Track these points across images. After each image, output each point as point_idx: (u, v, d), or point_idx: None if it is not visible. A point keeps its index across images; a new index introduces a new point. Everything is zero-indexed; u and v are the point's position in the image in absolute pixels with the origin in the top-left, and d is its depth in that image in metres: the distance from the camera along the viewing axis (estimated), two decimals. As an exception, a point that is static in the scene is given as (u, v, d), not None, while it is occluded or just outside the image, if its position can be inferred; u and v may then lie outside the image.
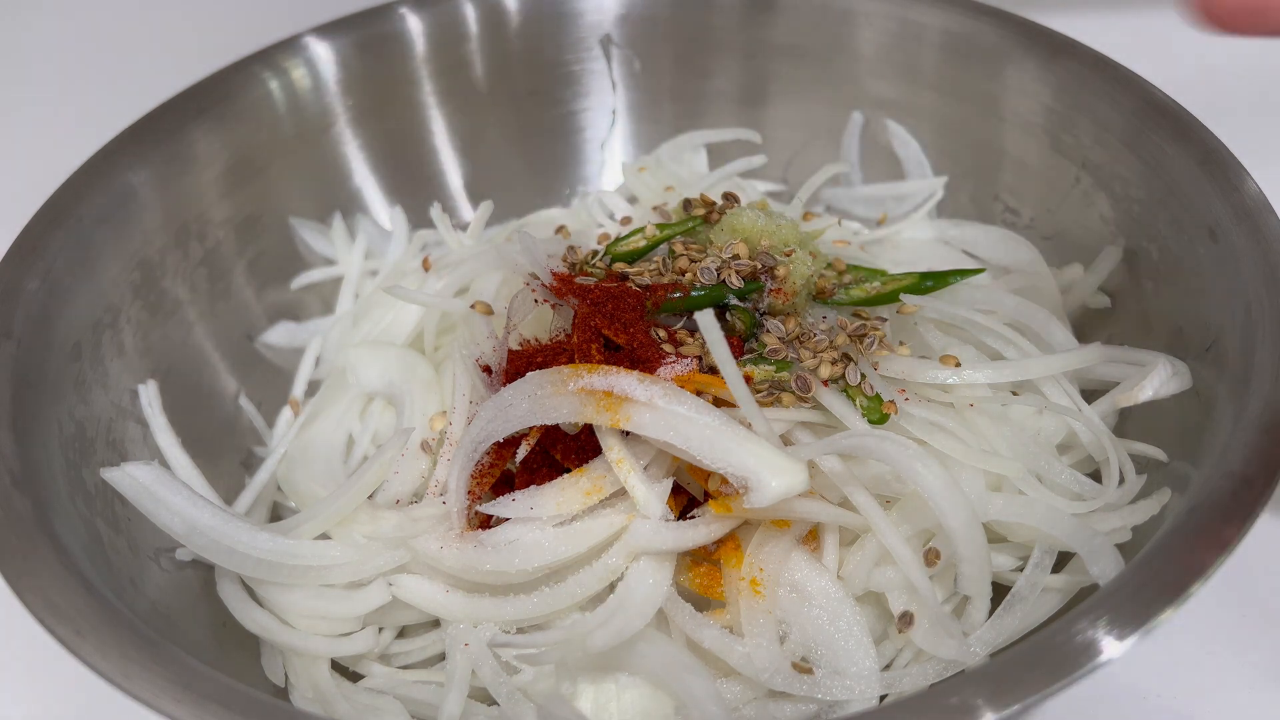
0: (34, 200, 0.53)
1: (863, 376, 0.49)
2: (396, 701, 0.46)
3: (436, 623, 0.49)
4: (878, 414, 0.48)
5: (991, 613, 0.46)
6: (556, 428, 0.48)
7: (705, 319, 0.44)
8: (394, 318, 0.60)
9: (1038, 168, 0.61)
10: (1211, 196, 0.50)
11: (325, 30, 0.65)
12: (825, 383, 0.48)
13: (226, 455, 0.59)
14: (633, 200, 0.68)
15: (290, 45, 0.64)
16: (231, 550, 0.47)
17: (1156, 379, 0.49)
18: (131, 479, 0.47)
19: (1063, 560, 0.48)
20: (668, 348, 0.49)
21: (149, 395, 0.55)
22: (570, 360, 0.49)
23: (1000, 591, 0.47)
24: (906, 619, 0.45)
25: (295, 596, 0.48)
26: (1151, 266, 0.54)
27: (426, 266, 0.61)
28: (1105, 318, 0.56)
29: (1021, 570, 0.47)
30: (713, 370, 0.48)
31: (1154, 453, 0.49)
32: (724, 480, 0.45)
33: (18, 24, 1.02)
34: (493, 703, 0.46)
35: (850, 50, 0.66)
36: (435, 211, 0.63)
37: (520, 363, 0.51)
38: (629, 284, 0.52)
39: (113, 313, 0.54)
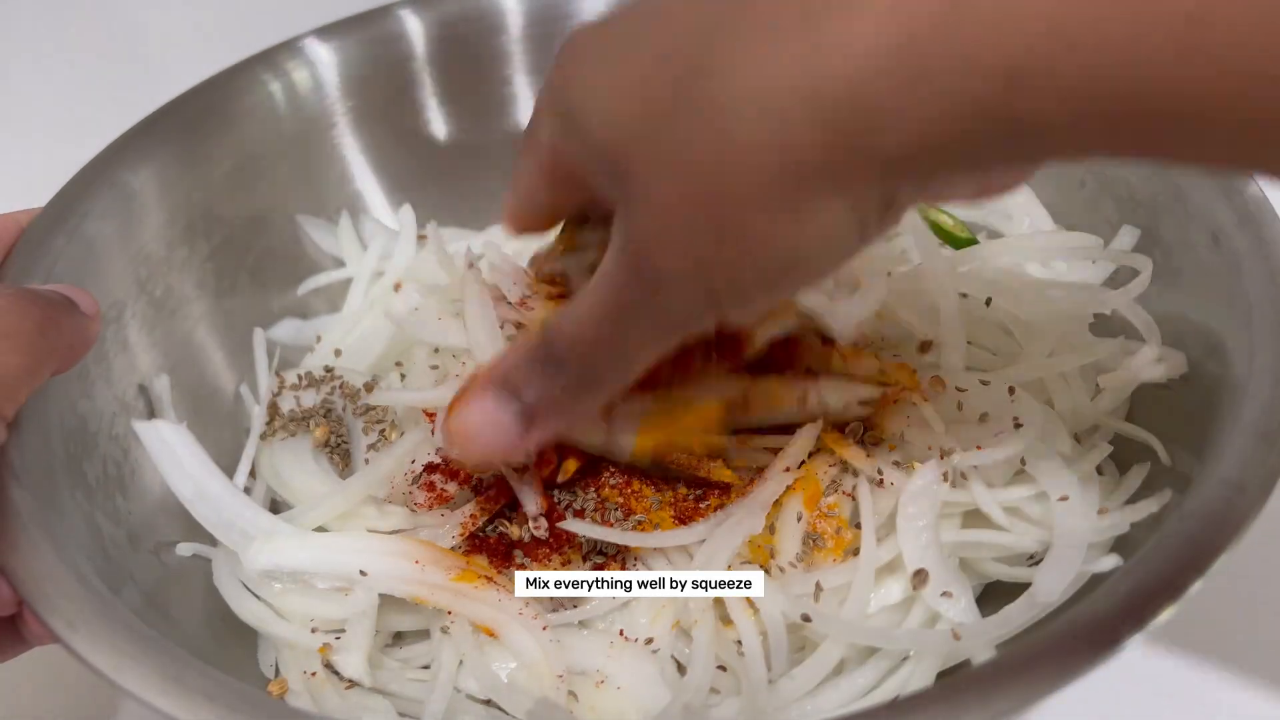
0: (38, 200, 0.54)
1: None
2: (385, 700, 0.47)
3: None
4: None
5: (997, 609, 0.46)
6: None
7: None
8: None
9: (1043, 171, 0.61)
10: (1215, 201, 0.50)
11: (326, 32, 0.65)
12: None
13: (229, 451, 0.59)
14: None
15: (291, 47, 0.64)
16: (230, 524, 0.49)
17: (1141, 359, 0.49)
18: (158, 434, 0.50)
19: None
20: None
21: (162, 388, 0.56)
22: None
23: (1003, 590, 0.48)
24: (921, 576, 0.46)
25: (284, 589, 0.49)
26: (1154, 270, 0.53)
27: (398, 288, 0.63)
28: (1106, 322, 0.56)
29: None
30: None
31: (1152, 441, 0.49)
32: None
33: (19, 25, 1.03)
34: (485, 701, 0.46)
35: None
36: (431, 229, 0.63)
37: None
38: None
39: (118, 308, 0.55)
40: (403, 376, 0.59)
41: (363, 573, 0.47)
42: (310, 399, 0.58)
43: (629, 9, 0.35)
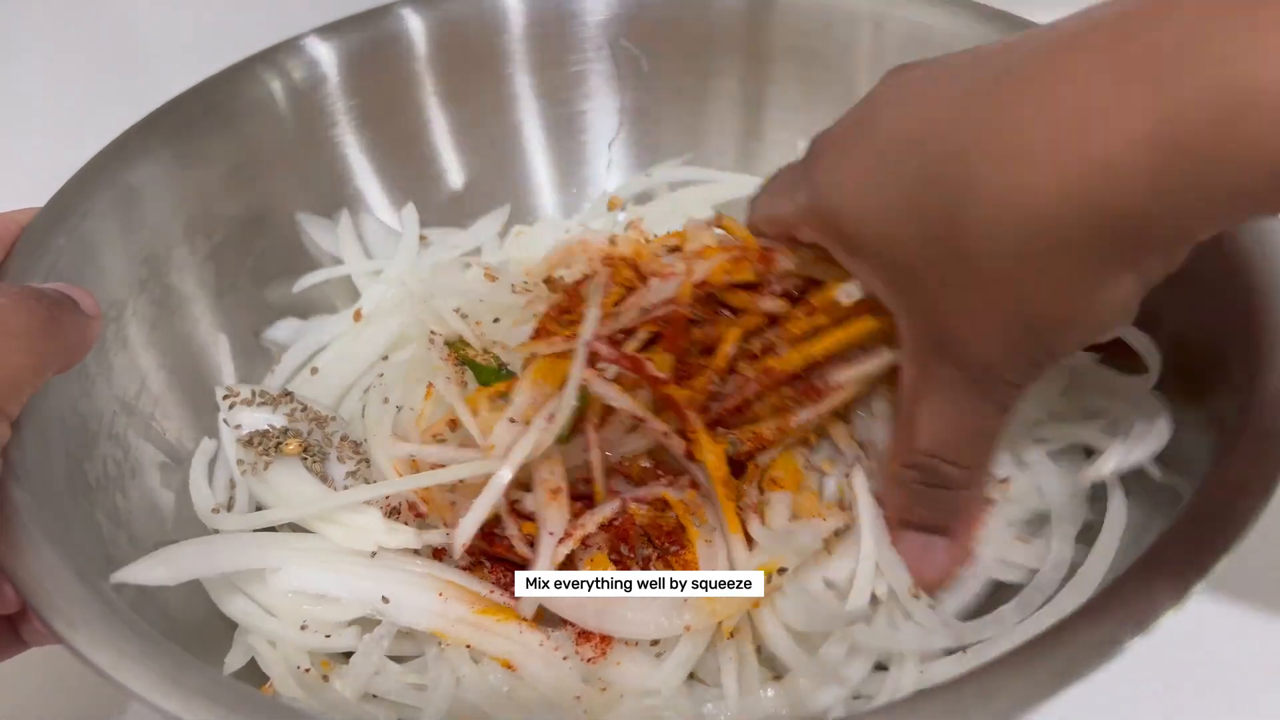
0: (38, 199, 0.53)
1: None
2: (379, 704, 0.47)
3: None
4: None
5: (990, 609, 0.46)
6: None
7: None
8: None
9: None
10: (1217, 201, 0.50)
11: (327, 31, 0.65)
12: None
13: (229, 451, 0.59)
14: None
15: (292, 45, 0.64)
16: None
17: (1120, 452, 0.48)
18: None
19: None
20: None
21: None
22: None
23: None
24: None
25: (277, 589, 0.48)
26: (1155, 271, 0.53)
27: (358, 318, 0.63)
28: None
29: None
30: None
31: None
32: None
33: (19, 25, 1.03)
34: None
35: (856, 52, 0.66)
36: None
37: None
38: None
39: (118, 307, 0.55)
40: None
41: (385, 599, 0.47)
42: (264, 418, 0.56)
43: (876, 116, 0.41)
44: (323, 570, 0.48)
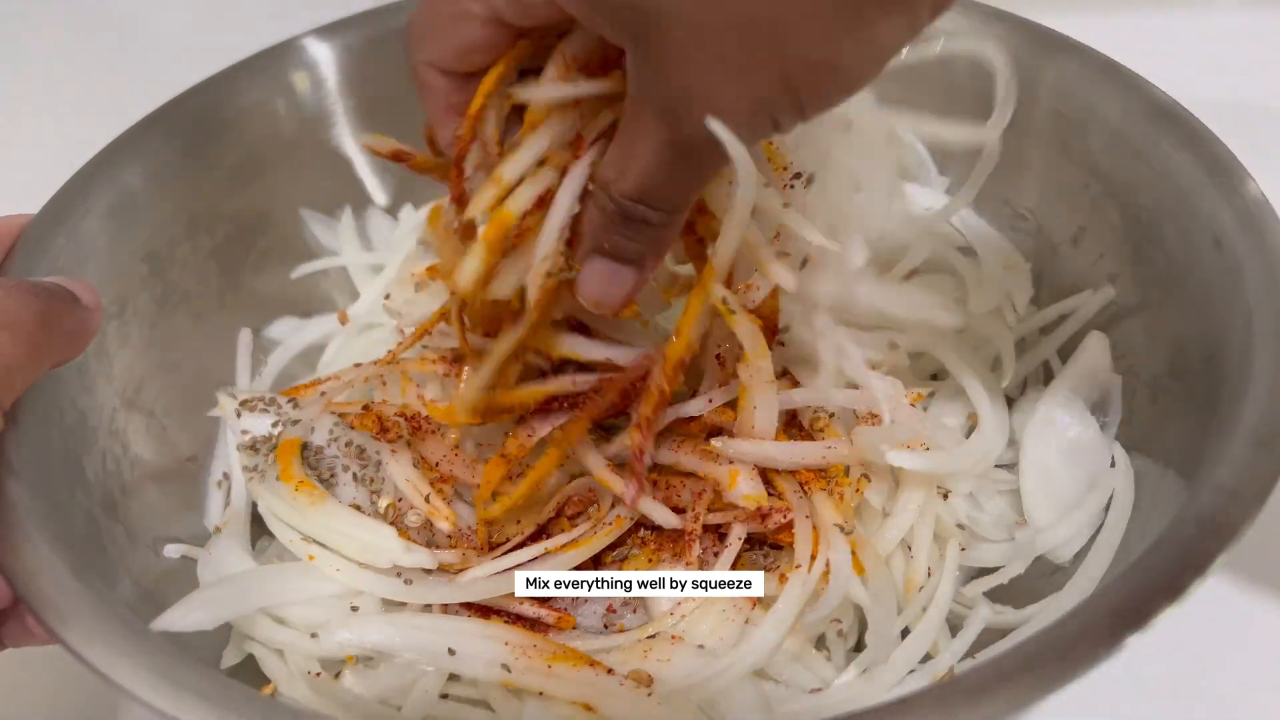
0: (39, 200, 0.53)
1: None
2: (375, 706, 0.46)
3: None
4: None
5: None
6: None
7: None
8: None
9: (1047, 173, 0.61)
10: (1218, 205, 0.50)
11: (326, 31, 0.65)
12: None
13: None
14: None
15: (291, 46, 0.64)
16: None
17: None
18: None
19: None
20: None
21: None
22: None
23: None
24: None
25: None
26: (1157, 275, 0.53)
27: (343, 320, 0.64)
28: (1109, 323, 0.56)
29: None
30: None
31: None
32: None
33: (19, 25, 1.03)
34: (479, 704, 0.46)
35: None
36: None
37: None
38: None
39: (120, 304, 0.55)
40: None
41: (451, 651, 0.45)
42: (267, 423, 0.56)
43: None
44: (382, 623, 0.46)
